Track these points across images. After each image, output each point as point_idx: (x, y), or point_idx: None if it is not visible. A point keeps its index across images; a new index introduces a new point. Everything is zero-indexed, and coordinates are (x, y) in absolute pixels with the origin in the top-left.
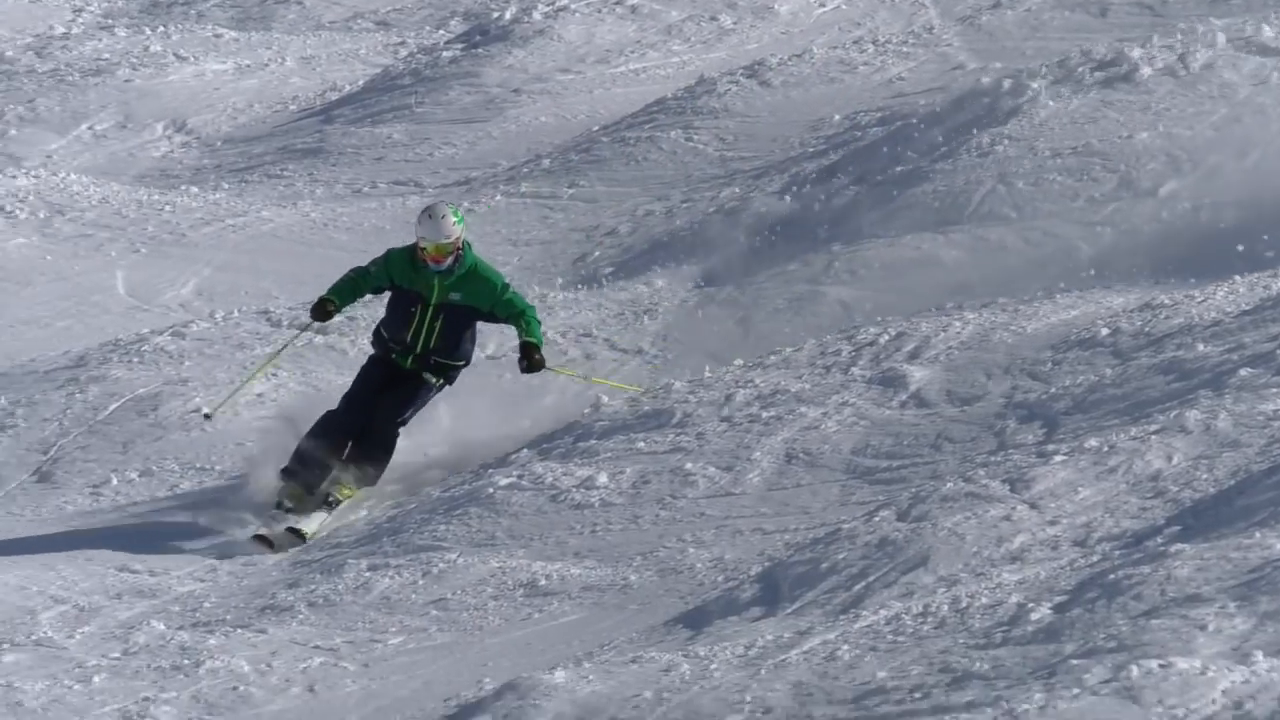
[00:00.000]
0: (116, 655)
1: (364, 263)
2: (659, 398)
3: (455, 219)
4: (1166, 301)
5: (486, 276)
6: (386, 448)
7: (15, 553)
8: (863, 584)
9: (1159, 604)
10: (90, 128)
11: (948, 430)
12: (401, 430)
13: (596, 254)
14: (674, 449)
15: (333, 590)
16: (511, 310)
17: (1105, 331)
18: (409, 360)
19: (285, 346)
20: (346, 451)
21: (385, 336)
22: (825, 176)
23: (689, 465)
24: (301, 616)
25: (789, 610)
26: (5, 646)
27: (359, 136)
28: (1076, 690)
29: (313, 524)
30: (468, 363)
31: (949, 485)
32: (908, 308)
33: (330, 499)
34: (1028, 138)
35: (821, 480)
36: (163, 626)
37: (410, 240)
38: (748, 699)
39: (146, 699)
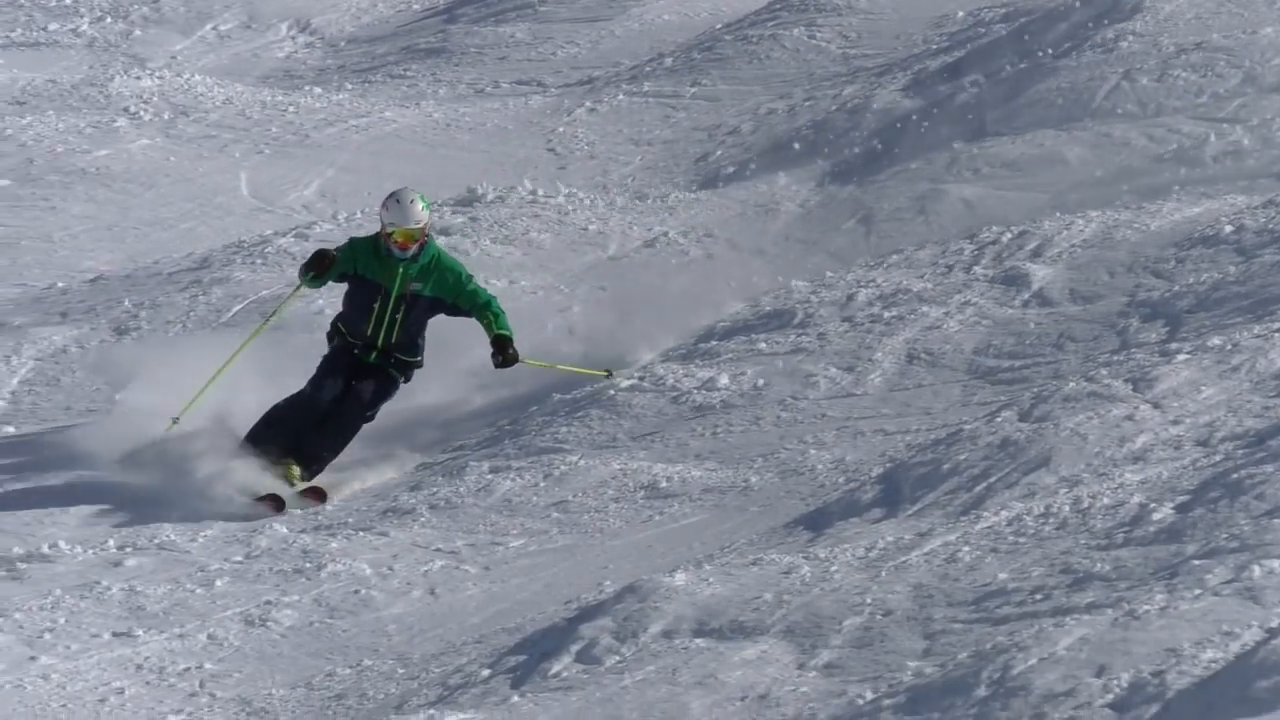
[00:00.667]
0: (239, 559)
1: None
2: (780, 298)
3: (423, 205)
4: None
5: (450, 267)
6: (347, 436)
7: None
8: (984, 485)
9: None
10: (214, 28)
11: (1070, 329)
12: (369, 421)
13: (718, 153)
14: (795, 350)
15: (454, 493)
16: (475, 302)
17: (1229, 229)
18: (372, 356)
19: (251, 339)
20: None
21: (344, 331)
22: (948, 74)
23: (810, 366)
24: (423, 519)
25: (909, 512)
26: (128, 550)
27: (482, 36)
28: (1198, 591)
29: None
30: (422, 362)
31: (1071, 385)
32: (1031, 206)
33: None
34: (1152, 33)
35: (943, 380)
36: (285, 530)
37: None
38: (868, 601)
39: (268, 602)
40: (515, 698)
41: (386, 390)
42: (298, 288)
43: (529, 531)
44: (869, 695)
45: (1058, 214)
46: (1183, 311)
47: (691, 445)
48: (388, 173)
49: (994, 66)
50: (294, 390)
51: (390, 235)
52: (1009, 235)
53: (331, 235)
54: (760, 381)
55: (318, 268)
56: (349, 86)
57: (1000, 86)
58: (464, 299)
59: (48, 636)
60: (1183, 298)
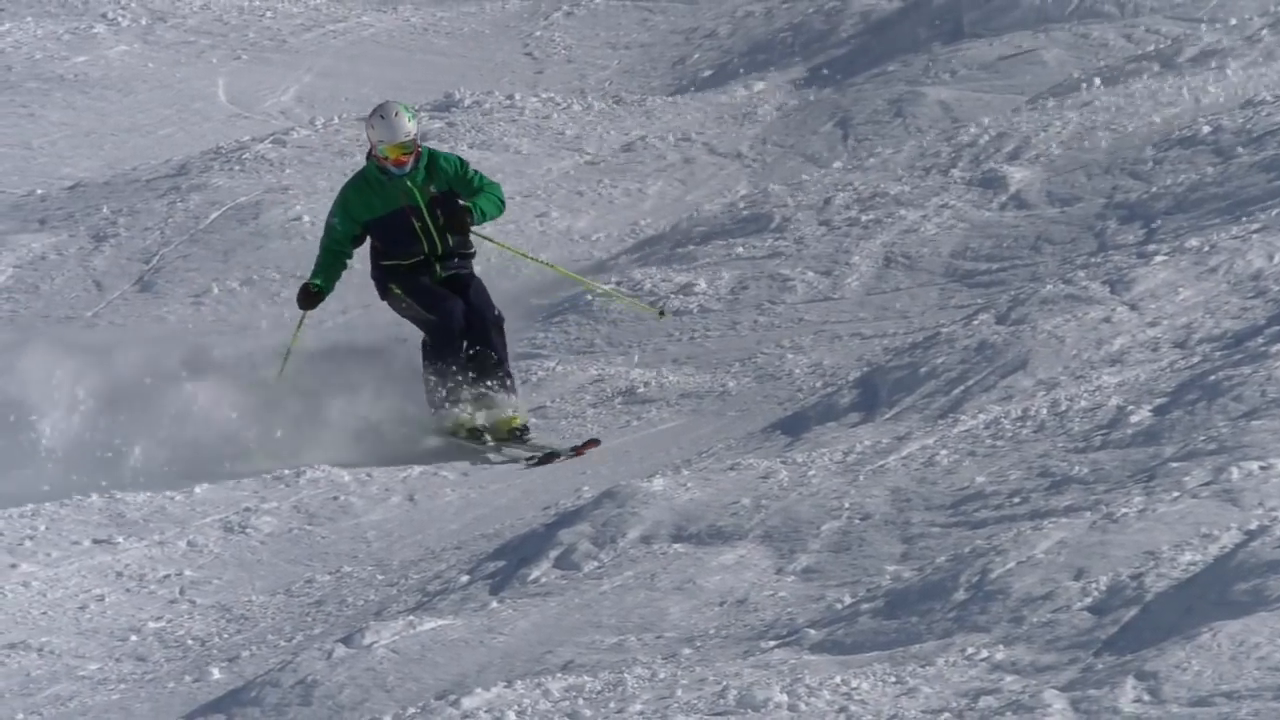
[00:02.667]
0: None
1: (322, 235)
2: (757, 201)
3: (409, 115)
4: (1268, 98)
5: (445, 158)
6: (504, 344)
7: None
8: (961, 388)
9: (1259, 405)
10: None
11: (1047, 231)
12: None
13: (696, 56)
14: (772, 254)
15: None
16: (477, 185)
17: (1207, 129)
18: (439, 270)
19: (285, 361)
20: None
21: (401, 264)
22: None
23: (787, 270)
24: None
25: (887, 416)
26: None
27: None
28: (1176, 493)
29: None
30: (475, 249)
31: (1048, 287)
32: (1008, 108)
33: (516, 428)
34: None
35: (920, 284)
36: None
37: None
38: (846, 505)
39: (247, 509)
40: (494, 603)
41: (484, 292)
42: (300, 322)
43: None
44: (847, 599)
45: (1035, 115)
46: (1160, 213)
47: (669, 350)
48: (365, 77)
49: None
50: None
51: (383, 157)
52: (986, 137)
53: (309, 141)
54: (737, 286)
55: (307, 307)
56: None
57: None
58: (464, 187)
59: (28, 544)
60: (1160, 199)
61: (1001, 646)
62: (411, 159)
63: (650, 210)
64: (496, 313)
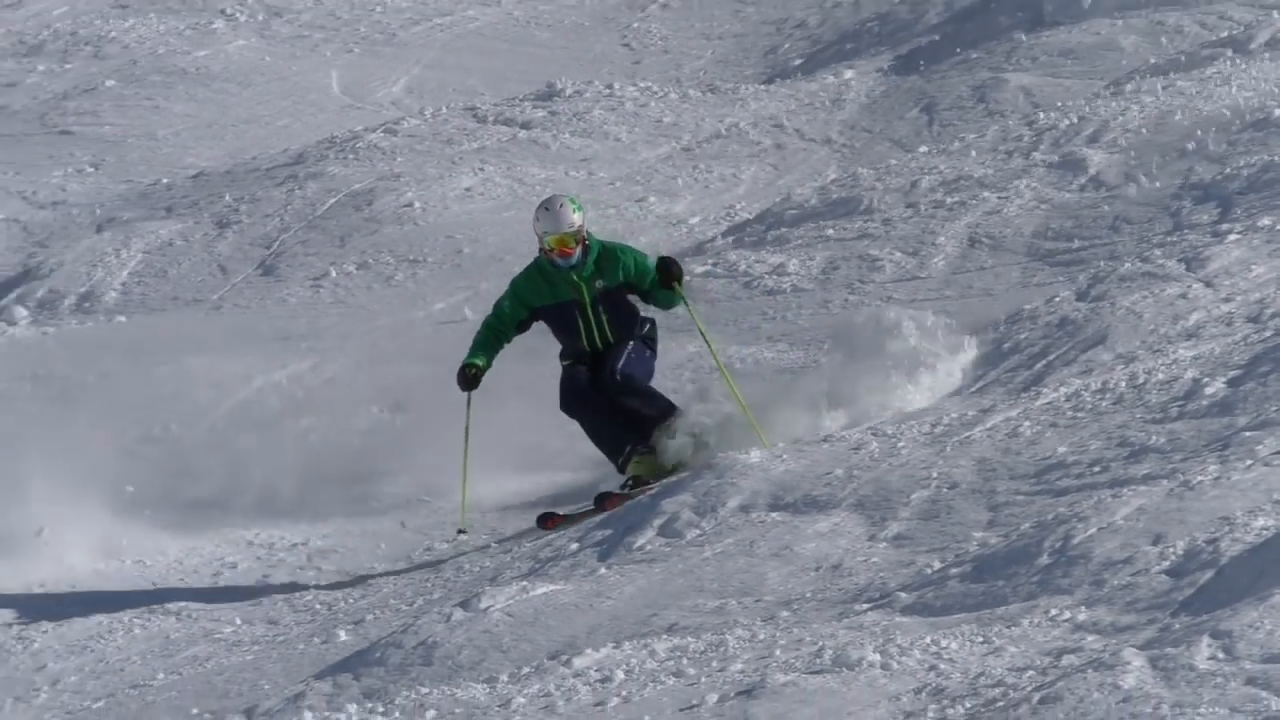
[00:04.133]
0: None
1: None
2: (846, 185)
3: (574, 207)
4: None
5: (619, 250)
6: (635, 394)
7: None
8: (1043, 362)
9: None
10: None
11: (1125, 212)
12: (638, 383)
13: (786, 46)
14: (861, 235)
15: (538, 377)
16: (654, 278)
17: (1278, 112)
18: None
19: (467, 446)
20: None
21: (570, 358)
22: None
23: (876, 251)
24: (512, 404)
25: (973, 389)
26: None
27: None
28: (1249, 461)
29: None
30: (654, 323)
31: (1127, 265)
32: (1088, 93)
33: (674, 467)
34: None
35: (1003, 263)
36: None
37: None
38: (934, 475)
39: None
40: (602, 569)
41: (620, 354)
42: (469, 404)
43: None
44: (936, 565)
45: (1113, 100)
46: (1233, 193)
47: (763, 328)
48: (471, 68)
49: None
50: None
51: (549, 249)
52: (1066, 121)
53: (419, 130)
54: (828, 266)
55: (467, 388)
56: None
57: None
58: (645, 280)
59: None
60: (1233, 180)
61: (1083, 608)
62: (578, 250)
63: (744, 194)
64: (620, 373)
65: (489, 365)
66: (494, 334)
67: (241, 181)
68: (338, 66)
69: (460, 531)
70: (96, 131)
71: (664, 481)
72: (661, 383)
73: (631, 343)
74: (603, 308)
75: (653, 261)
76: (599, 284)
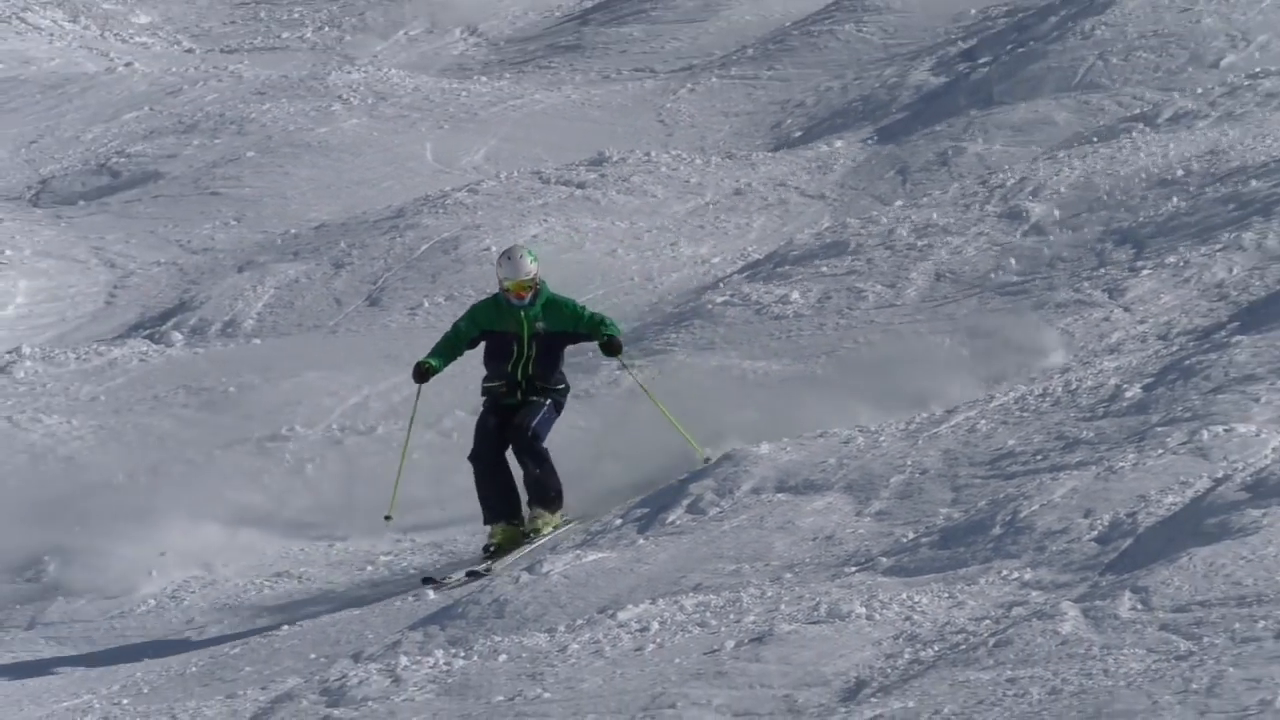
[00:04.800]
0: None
1: (460, 317)
2: (837, 231)
3: (530, 259)
4: (1227, 147)
5: (563, 301)
6: (538, 461)
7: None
8: (996, 370)
9: (1223, 382)
10: (405, 33)
11: (1059, 252)
12: (544, 447)
13: (789, 121)
14: (849, 271)
15: (592, 385)
16: (592, 322)
17: (1180, 172)
18: (518, 395)
19: (409, 436)
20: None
21: (490, 385)
22: (965, 57)
23: (861, 284)
24: (569, 406)
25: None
26: (348, 431)
27: (607, 34)
28: (1160, 451)
29: (506, 561)
30: (568, 387)
31: (1061, 294)
32: (1029, 157)
33: (529, 533)
34: (1119, 24)
35: (964, 293)
36: (463, 414)
37: (491, 291)
38: (909, 463)
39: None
40: (640, 540)
41: (536, 412)
42: (418, 395)
43: (649, 414)
44: (910, 535)
45: (1049, 164)
46: (1146, 237)
47: (771, 345)
48: (536, 141)
49: (1000, 51)
50: (468, 456)
51: (506, 289)
52: (1012, 180)
53: (495, 189)
54: (823, 296)
55: (419, 380)
56: (507, 75)
57: (1005, 66)
58: (582, 324)
59: (289, 497)
60: (1146, 226)
61: (1029, 569)
62: (530, 294)
63: (755, 239)
64: (531, 433)
65: (442, 368)
66: (450, 345)
67: (353, 231)
68: (431, 139)
69: (386, 518)
70: (238, 193)
71: (519, 553)
72: (689, 390)
73: (547, 403)
74: (536, 345)
75: (595, 313)
76: (540, 325)
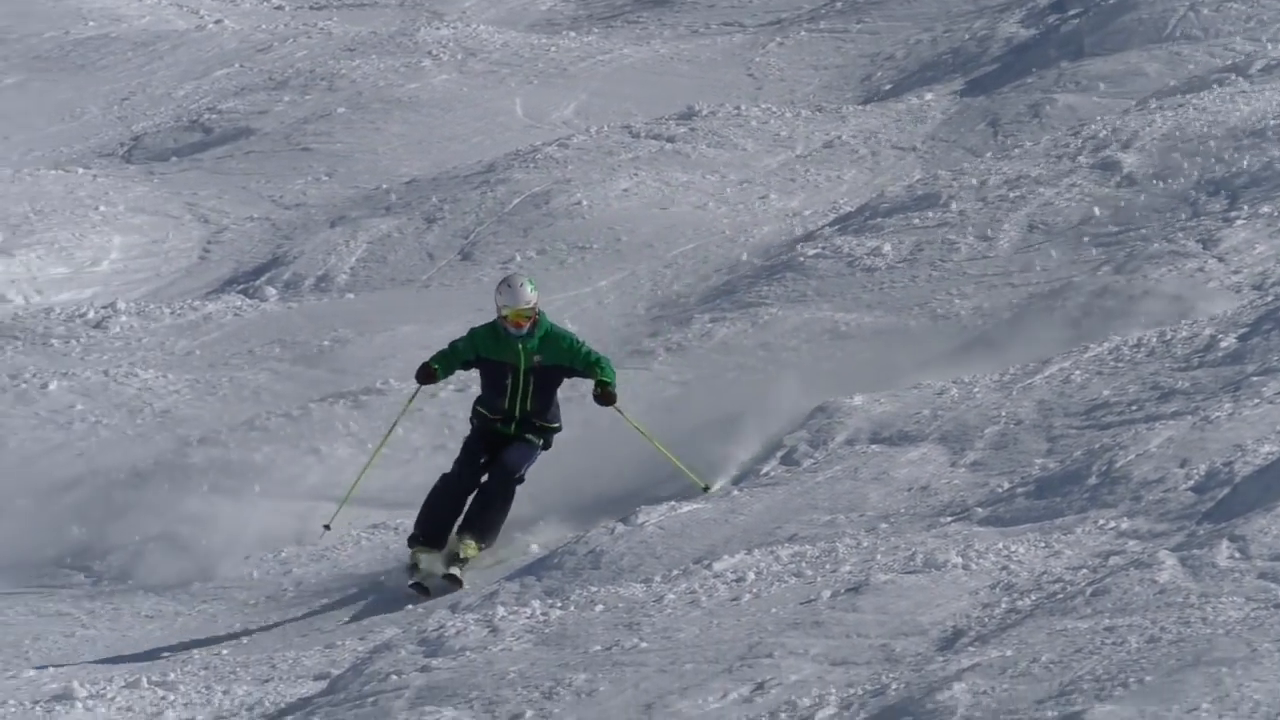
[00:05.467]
0: None
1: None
2: (928, 184)
3: (530, 287)
4: None
5: (561, 335)
6: (505, 501)
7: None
8: (1090, 322)
9: None
10: None
11: (1152, 202)
12: (518, 488)
13: (879, 74)
14: (941, 223)
15: (684, 338)
16: (588, 361)
17: (1274, 122)
18: (512, 428)
19: (391, 429)
20: (466, 509)
21: (484, 412)
22: (1055, 9)
23: (953, 236)
24: (661, 358)
25: (1033, 344)
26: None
27: None
28: (1256, 400)
29: (455, 570)
30: (560, 426)
31: (1155, 245)
32: (1120, 109)
33: (459, 556)
34: None
35: (1055, 244)
36: None
37: (488, 316)
38: (1003, 414)
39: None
40: (735, 492)
41: (528, 454)
42: (414, 394)
43: (742, 366)
44: (1006, 485)
45: (1141, 115)
46: (1239, 187)
47: (863, 298)
48: (625, 95)
49: (1090, 2)
50: (443, 472)
51: (505, 317)
52: (1104, 130)
53: (585, 144)
54: (915, 248)
55: (423, 381)
56: (596, 30)
57: (1095, 18)
58: (579, 360)
59: (383, 450)
60: (1239, 176)
61: (1125, 518)
62: (529, 324)
63: (846, 192)
64: (518, 475)
65: (444, 375)
66: (450, 353)
67: (445, 186)
68: (520, 95)
69: (325, 527)
70: (330, 148)
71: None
72: (782, 343)
73: (539, 445)
74: (533, 379)
75: (592, 351)
76: (537, 358)
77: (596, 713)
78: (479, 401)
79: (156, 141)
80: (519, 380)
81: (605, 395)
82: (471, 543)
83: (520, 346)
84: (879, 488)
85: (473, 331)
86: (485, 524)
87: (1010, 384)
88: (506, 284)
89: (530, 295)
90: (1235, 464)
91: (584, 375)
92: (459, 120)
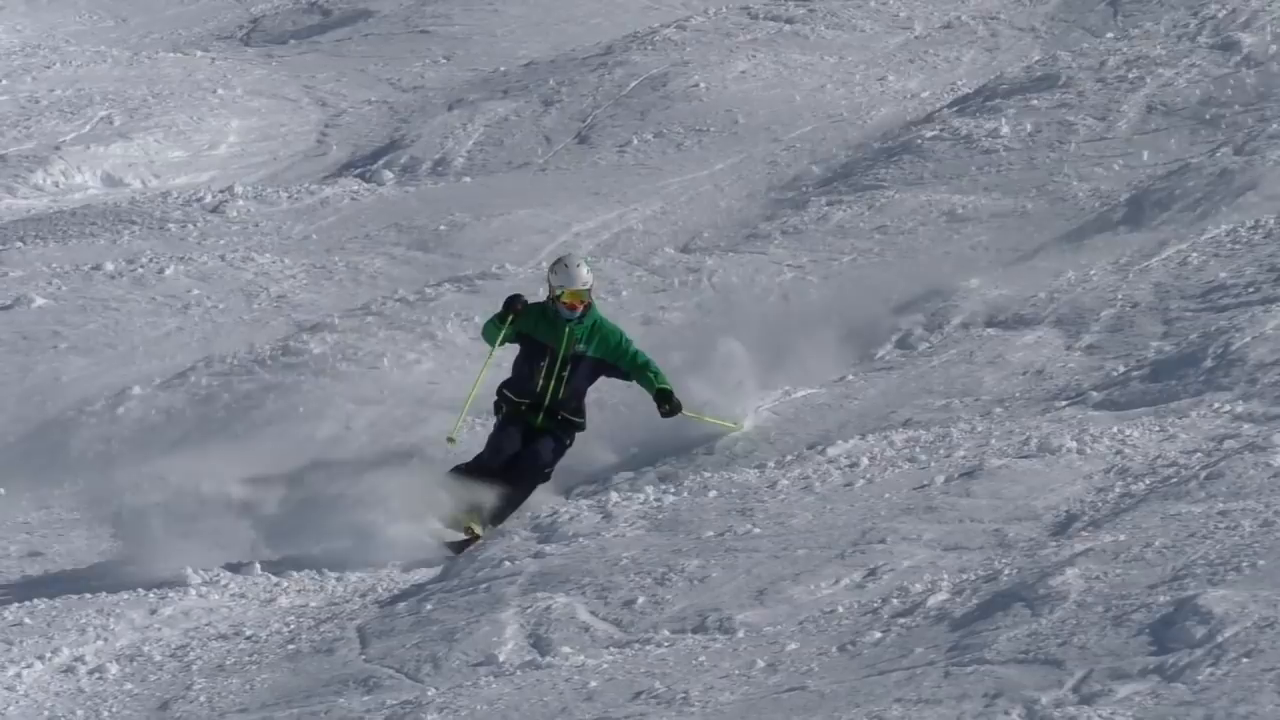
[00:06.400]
0: None
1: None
2: (1047, 64)
3: (586, 268)
4: None
5: (610, 330)
6: (528, 494)
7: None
8: (1208, 204)
9: None
10: None
11: (1273, 83)
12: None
13: None
14: (1060, 104)
15: (800, 221)
16: (635, 363)
17: None
18: (539, 418)
19: (491, 356)
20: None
21: (512, 396)
22: None
23: (1071, 117)
24: (777, 241)
25: (1150, 227)
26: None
27: None
28: None
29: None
30: (585, 425)
31: (1274, 125)
32: None
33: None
34: None
35: (1175, 125)
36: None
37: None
38: (1119, 297)
39: None
40: (849, 376)
41: (560, 449)
42: (493, 347)
43: (858, 249)
44: (1121, 368)
45: None
46: None
47: (980, 180)
48: None
49: None
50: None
51: (558, 297)
52: (1224, 11)
53: (704, 25)
54: (1034, 129)
55: (512, 310)
56: None
57: None
58: (624, 360)
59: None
60: None
61: (1240, 401)
62: (582, 307)
63: (964, 73)
64: (546, 470)
65: (509, 334)
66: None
67: (562, 69)
68: None
69: (450, 440)
70: (448, 31)
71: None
72: (899, 225)
73: (567, 442)
74: (570, 368)
75: (640, 352)
76: (581, 347)
77: (709, 598)
78: (506, 385)
79: (275, 24)
80: (555, 366)
81: (672, 406)
82: (479, 521)
83: (567, 330)
84: (994, 372)
85: (526, 307)
86: (500, 512)
87: (1126, 267)
88: (563, 264)
89: (586, 276)
90: None
91: (627, 378)
92: (577, 2)
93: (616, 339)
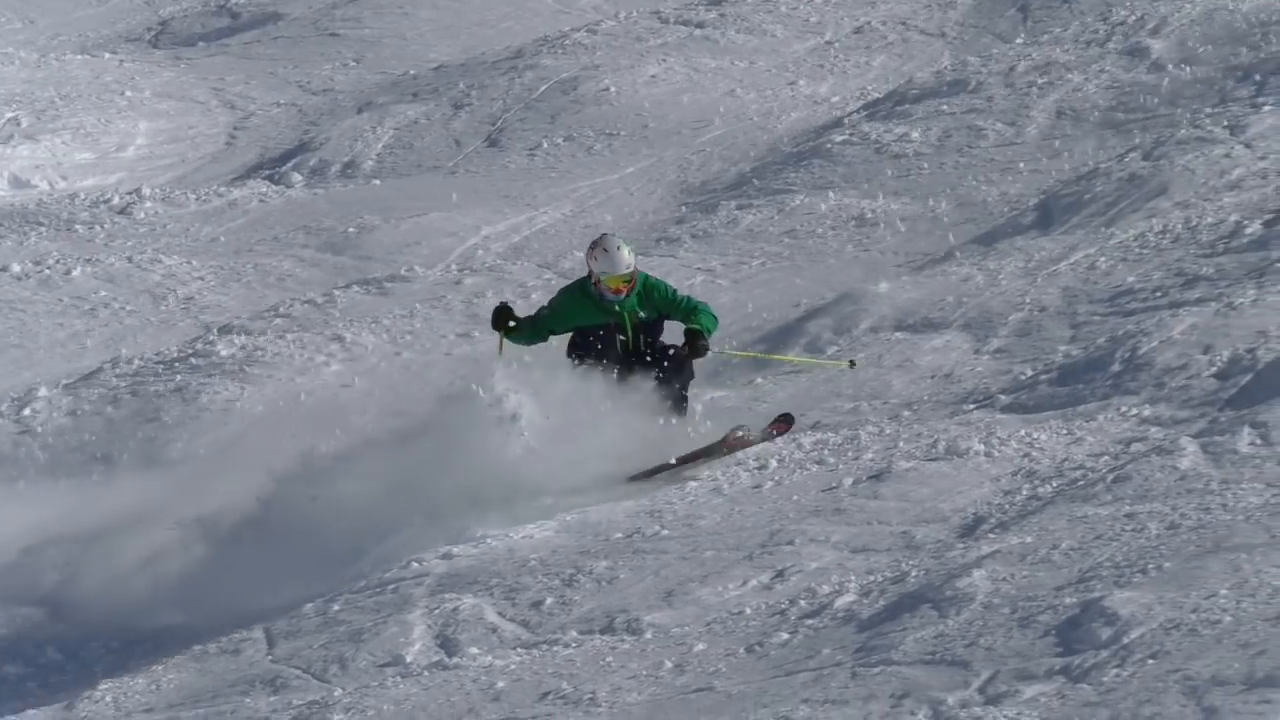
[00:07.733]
0: (548, 276)
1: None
2: (957, 70)
3: (627, 250)
4: None
5: (657, 286)
6: (683, 403)
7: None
8: (1116, 210)
9: None
10: None
11: (1180, 89)
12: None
13: None
14: (969, 110)
15: (710, 225)
16: (683, 310)
17: None
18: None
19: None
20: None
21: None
22: None
23: (981, 122)
24: (686, 245)
25: (1059, 231)
26: (466, 271)
27: None
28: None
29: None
30: (691, 376)
31: (1182, 131)
32: None
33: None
34: None
35: (1083, 131)
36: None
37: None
38: (1028, 300)
39: None
40: (758, 379)
41: (685, 380)
42: (501, 343)
43: (767, 254)
44: (1029, 372)
45: (1169, 1)
46: (1268, 73)
47: (890, 185)
48: None
49: None
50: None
51: (601, 285)
52: (1133, 17)
53: (614, 29)
54: (943, 135)
55: (498, 322)
56: None
57: None
58: (677, 311)
59: (409, 338)
60: (1267, 63)
61: (1148, 405)
62: (628, 289)
63: (875, 78)
64: (680, 396)
65: (520, 343)
66: (536, 331)
67: (473, 72)
68: None
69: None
70: (358, 34)
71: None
72: (809, 229)
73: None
74: (641, 332)
75: (688, 299)
76: (640, 315)
77: (617, 599)
78: (579, 357)
79: (183, 26)
80: (628, 334)
81: (695, 347)
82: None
83: (620, 308)
84: (902, 375)
85: (557, 304)
86: (674, 397)
87: (1035, 271)
88: (602, 249)
89: (629, 259)
90: (1258, 350)
91: (682, 320)
92: (488, 5)
93: (662, 292)
